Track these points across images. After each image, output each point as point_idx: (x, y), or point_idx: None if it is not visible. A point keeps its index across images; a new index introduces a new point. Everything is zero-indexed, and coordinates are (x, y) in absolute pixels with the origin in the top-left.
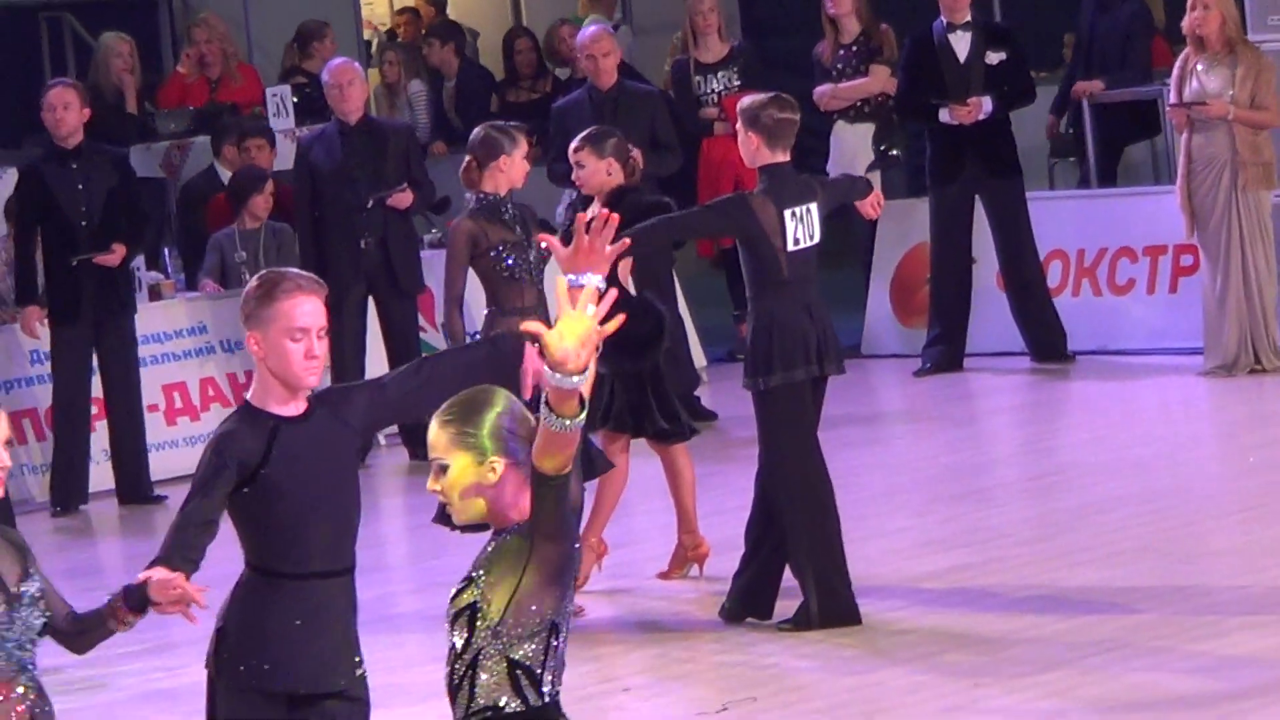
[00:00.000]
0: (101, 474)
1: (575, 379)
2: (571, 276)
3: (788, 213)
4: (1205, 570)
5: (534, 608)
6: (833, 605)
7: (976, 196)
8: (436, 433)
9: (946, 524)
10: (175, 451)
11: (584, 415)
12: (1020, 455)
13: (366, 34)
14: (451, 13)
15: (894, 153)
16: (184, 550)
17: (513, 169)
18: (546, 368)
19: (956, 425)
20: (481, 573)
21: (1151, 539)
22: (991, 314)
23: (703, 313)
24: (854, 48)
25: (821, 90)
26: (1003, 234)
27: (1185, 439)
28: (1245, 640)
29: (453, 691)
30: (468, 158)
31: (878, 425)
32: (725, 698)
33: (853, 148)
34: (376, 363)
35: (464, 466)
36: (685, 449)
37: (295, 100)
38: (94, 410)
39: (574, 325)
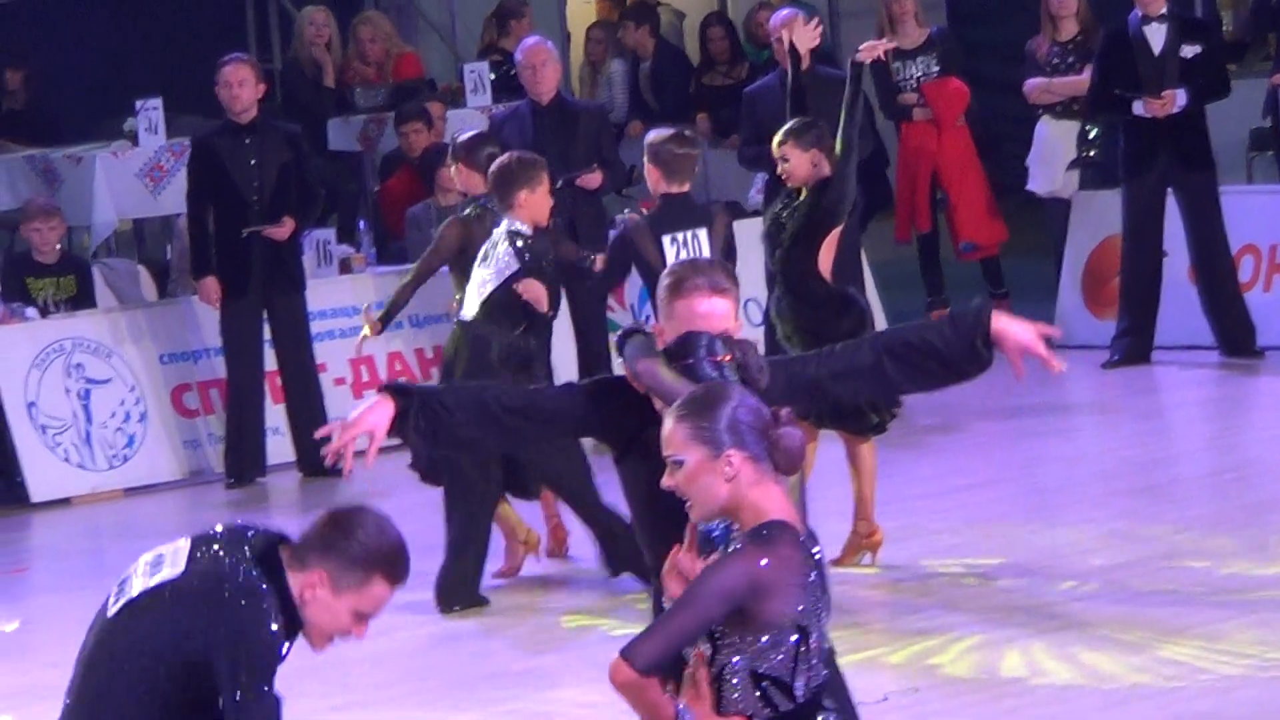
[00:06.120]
0: (285, 446)
1: None
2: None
3: (666, 238)
4: None
5: (763, 615)
6: None
7: (1169, 189)
8: (672, 428)
9: (1124, 517)
10: None
11: None
12: (1205, 450)
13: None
14: None
15: (1092, 154)
16: None
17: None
18: None
19: (1143, 418)
20: None
21: None
22: (1181, 307)
23: (893, 296)
24: (1070, 45)
25: (1034, 83)
26: (1194, 227)
27: None
28: None
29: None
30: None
31: (1064, 416)
32: (888, 687)
33: (1055, 143)
34: (564, 343)
35: (699, 461)
36: (870, 439)
37: (492, 77)
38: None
39: None
